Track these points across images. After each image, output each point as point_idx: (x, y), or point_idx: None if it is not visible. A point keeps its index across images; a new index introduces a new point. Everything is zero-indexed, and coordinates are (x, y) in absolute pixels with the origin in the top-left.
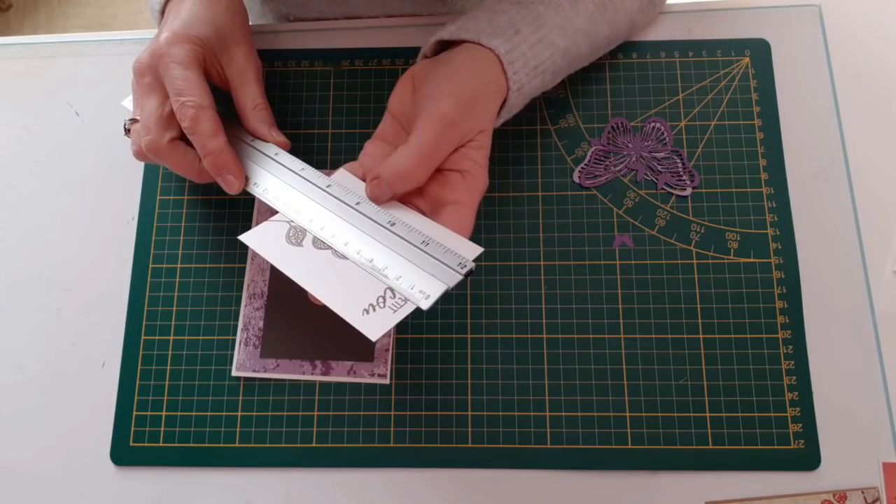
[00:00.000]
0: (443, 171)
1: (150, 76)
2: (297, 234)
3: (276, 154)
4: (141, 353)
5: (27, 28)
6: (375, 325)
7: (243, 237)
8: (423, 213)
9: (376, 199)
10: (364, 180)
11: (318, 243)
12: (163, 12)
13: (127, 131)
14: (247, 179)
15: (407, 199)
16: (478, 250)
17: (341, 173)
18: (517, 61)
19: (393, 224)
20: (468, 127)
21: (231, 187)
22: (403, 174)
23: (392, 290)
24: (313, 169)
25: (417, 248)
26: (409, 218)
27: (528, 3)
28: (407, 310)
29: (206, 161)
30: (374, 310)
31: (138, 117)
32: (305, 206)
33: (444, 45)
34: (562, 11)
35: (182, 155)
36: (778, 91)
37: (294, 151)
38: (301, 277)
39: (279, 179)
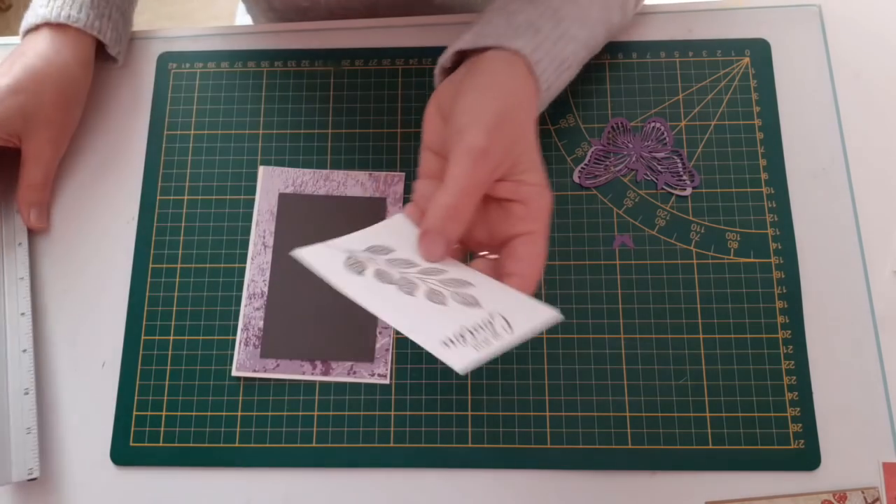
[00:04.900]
0: (501, 202)
1: None
2: (357, 265)
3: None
4: (141, 353)
5: None
6: (461, 357)
7: (298, 253)
8: (490, 254)
9: (430, 254)
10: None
11: (382, 278)
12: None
13: None
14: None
15: (472, 243)
16: (551, 315)
17: (400, 220)
18: (543, 60)
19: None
20: (503, 150)
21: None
22: (449, 215)
23: (470, 329)
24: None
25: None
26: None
27: (542, 0)
28: (494, 348)
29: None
30: (456, 343)
31: None
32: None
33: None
34: (577, 3)
35: None
36: (778, 91)
37: (294, 151)
38: (368, 303)
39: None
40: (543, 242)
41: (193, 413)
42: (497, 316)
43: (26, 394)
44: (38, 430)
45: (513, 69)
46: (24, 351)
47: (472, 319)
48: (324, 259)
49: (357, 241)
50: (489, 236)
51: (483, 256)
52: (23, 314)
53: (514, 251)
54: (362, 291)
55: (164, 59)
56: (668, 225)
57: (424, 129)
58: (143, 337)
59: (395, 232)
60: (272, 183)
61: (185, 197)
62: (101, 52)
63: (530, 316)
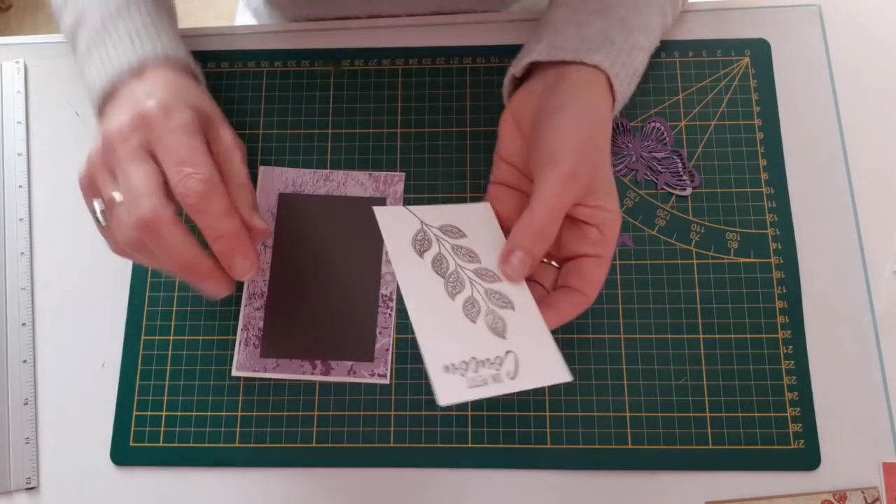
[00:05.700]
0: (577, 221)
1: (136, 140)
2: (423, 242)
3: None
4: (141, 353)
5: (27, 28)
6: (450, 390)
7: (377, 209)
8: (559, 267)
9: (516, 273)
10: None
11: (437, 266)
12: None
13: (100, 220)
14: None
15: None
16: (562, 377)
17: (484, 209)
18: (620, 73)
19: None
20: (587, 175)
21: (244, 272)
22: (537, 235)
23: (478, 361)
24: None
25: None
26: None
27: (608, 10)
28: (486, 391)
29: (217, 245)
30: (456, 371)
31: (117, 194)
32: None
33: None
34: (640, 12)
35: (185, 234)
36: (778, 91)
37: (294, 151)
38: (407, 288)
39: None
40: (608, 267)
41: (193, 413)
42: (511, 356)
43: (26, 404)
44: (37, 431)
45: (595, 88)
46: (25, 361)
47: (486, 352)
48: (396, 222)
49: (435, 215)
50: (557, 248)
51: (546, 263)
52: (24, 325)
53: (580, 269)
54: (410, 276)
55: None
56: (668, 225)
57: (501, 139)
58: (143, 337)
59: (474, 218)
60: (272, 183)
61: None
62: None
63: (542, 370)
